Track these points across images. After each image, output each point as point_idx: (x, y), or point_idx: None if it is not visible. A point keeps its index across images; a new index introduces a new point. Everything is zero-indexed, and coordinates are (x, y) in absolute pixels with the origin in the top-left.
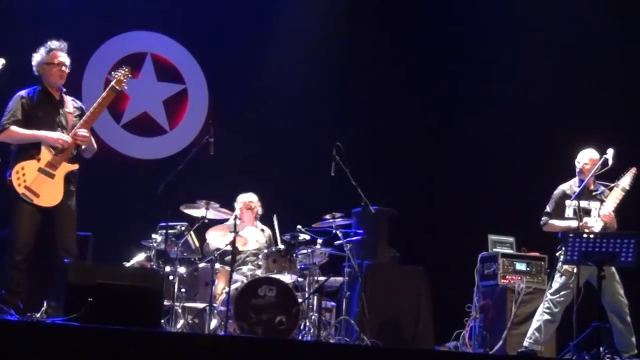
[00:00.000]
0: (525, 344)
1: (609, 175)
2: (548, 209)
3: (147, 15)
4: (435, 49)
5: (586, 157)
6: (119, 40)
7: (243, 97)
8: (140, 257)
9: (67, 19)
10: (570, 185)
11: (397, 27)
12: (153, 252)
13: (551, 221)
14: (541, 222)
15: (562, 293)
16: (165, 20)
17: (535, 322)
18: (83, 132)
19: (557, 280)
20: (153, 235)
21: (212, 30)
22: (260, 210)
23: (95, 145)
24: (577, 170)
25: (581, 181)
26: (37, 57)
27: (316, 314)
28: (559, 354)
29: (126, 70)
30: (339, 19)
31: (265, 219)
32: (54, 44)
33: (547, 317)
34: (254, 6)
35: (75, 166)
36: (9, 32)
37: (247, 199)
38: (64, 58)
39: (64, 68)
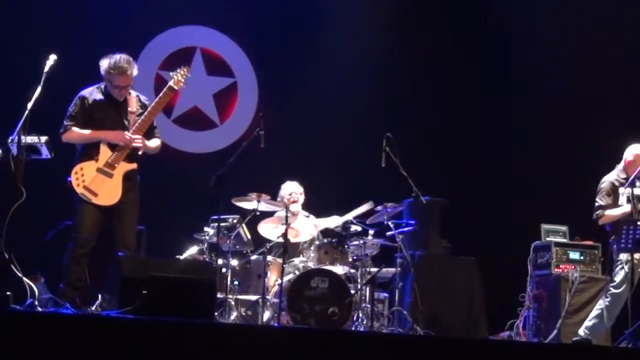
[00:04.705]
0: (581, 333)
1: None
2: (601, 202)
3: (196, 9)
4: (487, 36)
5: (630, 153)
6: (168, 35)
7: (292, 89)
8: (192, 250)
9: (116, 14)
10: (617, 175)
11: (451, 13)
12: (205, 245)
13: (607, 212)
14: (596, 215)
15: (625, 286)
16: (214, 14)
17: (595, 314)
18: (137, 140)
19: (619, 273)
20: (205, 229)
21: (261, 23)
22: (303, 197)
23: (152, 146)
24: (623, 163)
25: (624, 172)
26: (102, 65)
27: (369, 305)
28: (614, 342)
29: (185, 70)
30: (391, 5)
31: (317, 212)
32: (115, 66)
33: (609, 311)
34: None
35: (134, 165)
36: (61, 28)
37: (296, 184)
38: (121, 81)
39: (122, 91)
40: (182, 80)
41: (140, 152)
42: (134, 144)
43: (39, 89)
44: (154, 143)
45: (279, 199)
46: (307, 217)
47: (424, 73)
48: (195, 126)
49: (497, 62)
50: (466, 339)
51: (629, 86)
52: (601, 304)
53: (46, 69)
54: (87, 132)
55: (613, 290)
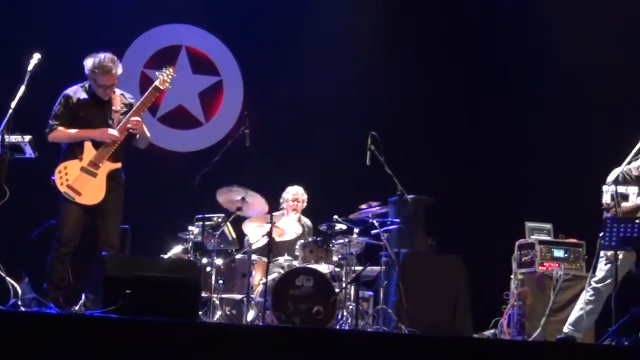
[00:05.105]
0: (565, 330)
1: None
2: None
3: (181, 7)
4: (476, 32)
5: None
6: (153, 33)
7: (278, 88)
8: (177, 249)
9: (101, 12)
10: (630, 169)
11: (441, 11)
12: (190, 244)
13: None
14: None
15: (608, 282)
16: (199, 12)
17: (578, 309)
18: (135, 119)
19: (603, 268)
20: (190, 228)
21: (246, 21)
22: (306, 204)
23: (148, 134)
24: None
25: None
26: (86, 64)
27: (354, 304)
28: (598, 340)
29: (170, 70)
30: (379, 4)
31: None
32: (100, 65)
33: (591, 305)
34: None
35: (118, 164)
36: (45, 26)
37: (301, 191)
38: (106, 81)
39: (107, 90)
40: (168, 80)
41: (137, 132)
42: (131, 123)
43: (22, 87)
44: (148, 132)
45: (281, 200)
46: (303, 225)
47: (410, 72)
48: (181, 125)
49: (485, 62)
50: (451, 338)
51: (616, 87)
52: (582, 298)
53: (30, 67)
54: (72, 131)
55: (594, 285)
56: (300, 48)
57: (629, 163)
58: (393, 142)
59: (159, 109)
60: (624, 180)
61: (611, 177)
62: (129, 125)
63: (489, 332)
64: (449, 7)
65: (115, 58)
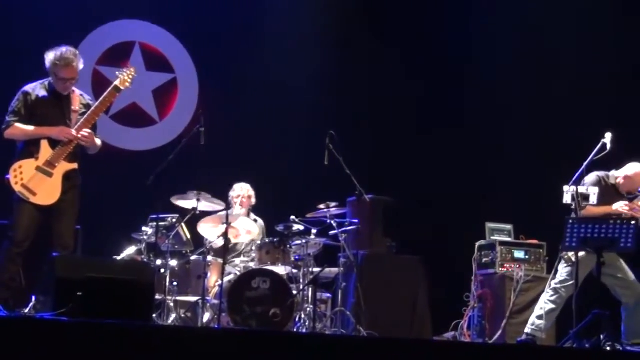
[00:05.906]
0: (528, 330)
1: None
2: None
3: (135, 3)
4: (437, 35)
5: (633, 171)
6: (107, 29)
7: (234, 86)
8: (130, 250)
9: (54, 8)
10: (607, 176)
11: (397, 12)
12: (144, 245)
13: (590, 207)
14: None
15: (569, 284)
16: (153, 8)
17: (539, 310)
18: (85, 132)
19: (563, 271)
20: (143, 228)
21: (201, 18)
22: (254, 201)
23: (98, 143)
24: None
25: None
26: (47, 57)
27: (311, 306)
28: (558, 342)
29: (132, 70)
30: (338, 3)
31: (258, 211)
32: (61, 57)
33: (551, 305)
34: None
35: (74, 165)
36: None
37: (246, 187)
38: (67, 73)
39: (67, 84)
40: (129, 80)
41: (87, 144)
42: (81, 137)
43: None
44: (98, 141)
45: (229, 199)
46: (255, 221)
47: (367, 71)
48: (134, 123)
49: (442, 62)
50: (410, 340)
51: (574, 87)
52: (543, 298)
53: None
54: (30, 128)
55: (554, 286)
56: (256, 46)
57: (591, 162)
58: (354, 142)
59: (112, 106)
60: (597, 182)
61: (589, 178)
62: (80, 135)
63: (449, 335)
64: (405, 5)
65: (78, 52)
